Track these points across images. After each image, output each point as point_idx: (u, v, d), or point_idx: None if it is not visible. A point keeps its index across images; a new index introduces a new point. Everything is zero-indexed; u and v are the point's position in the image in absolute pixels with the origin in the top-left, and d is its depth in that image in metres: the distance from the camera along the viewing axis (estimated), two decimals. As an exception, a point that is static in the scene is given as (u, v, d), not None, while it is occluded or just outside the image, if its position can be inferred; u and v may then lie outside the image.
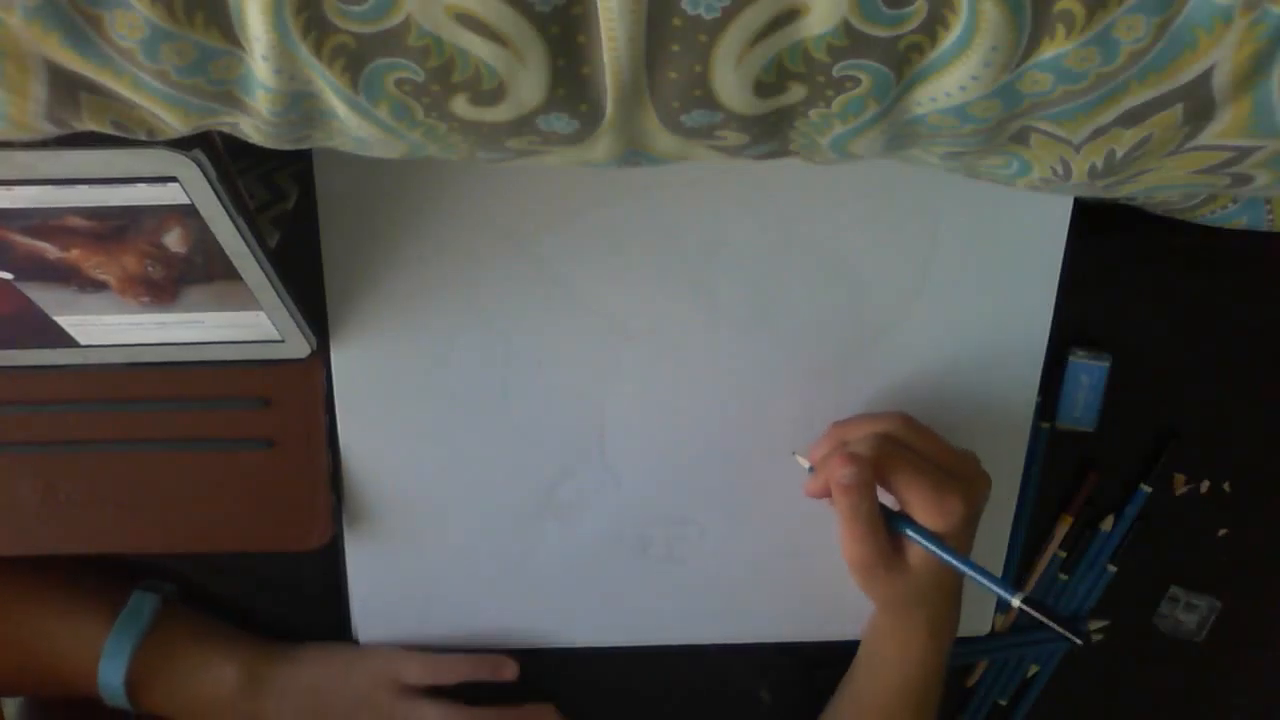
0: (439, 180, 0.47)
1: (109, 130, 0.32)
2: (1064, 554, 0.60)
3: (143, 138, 0.32)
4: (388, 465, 0.52)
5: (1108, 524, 0.60)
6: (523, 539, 0.54)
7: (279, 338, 0.46)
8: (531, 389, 0.51)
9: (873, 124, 0.33)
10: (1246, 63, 0.29)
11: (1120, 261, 0.54)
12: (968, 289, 0.51)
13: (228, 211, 0.37)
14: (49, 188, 0.36)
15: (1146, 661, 0.64)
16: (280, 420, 0.50)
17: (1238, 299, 0.55)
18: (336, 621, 0.55)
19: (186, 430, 0.50)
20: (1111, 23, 0.29)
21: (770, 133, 0.33)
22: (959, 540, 0.48)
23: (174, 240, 0.39)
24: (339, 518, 0.53)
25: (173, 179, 0.35)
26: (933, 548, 0.47)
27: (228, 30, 0.29)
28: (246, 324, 0.45)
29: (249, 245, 0.39)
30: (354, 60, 0.29)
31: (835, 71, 0.30)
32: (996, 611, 0.60)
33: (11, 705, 0.58)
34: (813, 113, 0.32)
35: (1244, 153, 0.33)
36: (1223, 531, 0.61)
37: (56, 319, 0.43)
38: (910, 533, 0.47)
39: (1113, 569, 0.61)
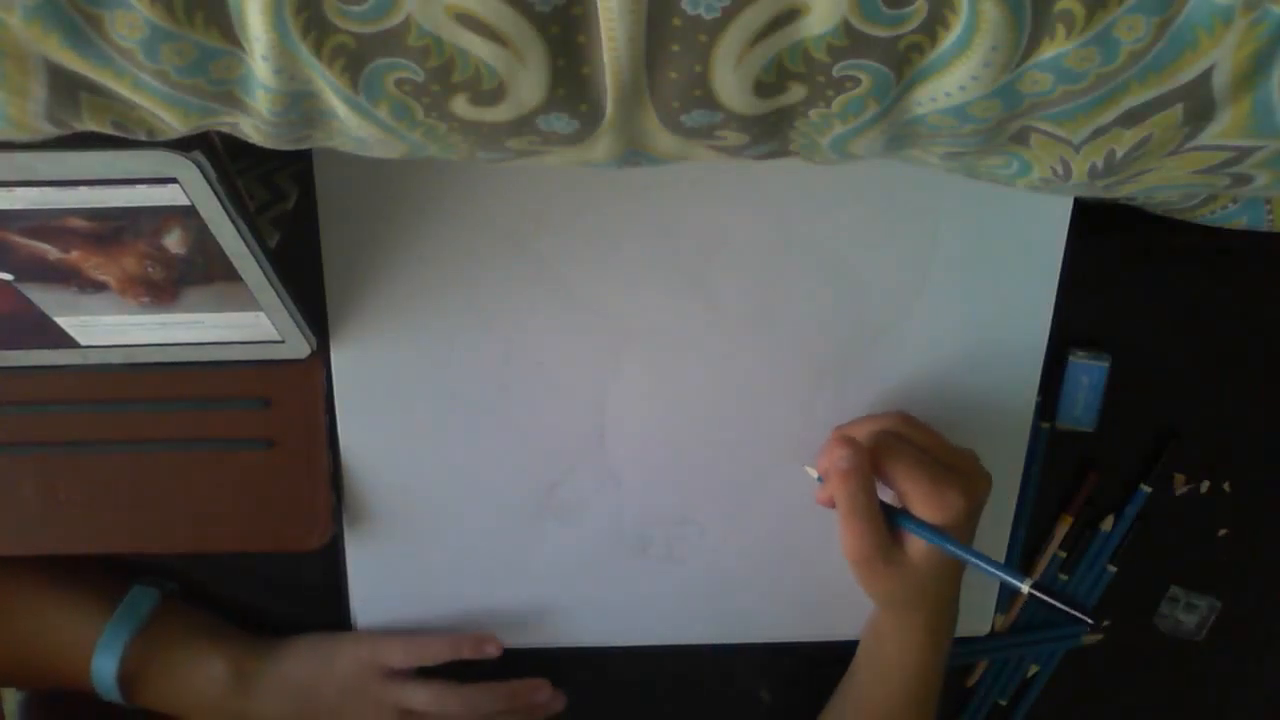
0: (439, 180, 0.47)
1: (109, 130, 0.32)
2: (1064, 554, 0.60)
3: (143, 138, 0.32)
4: (388, 465, 0.52)
5: (1108, 524, 0.60)
6: (523, 539, 0.54)
7: (279, 338, 0.46)
8: (531, 389, 0.51)
9: (873, 124, 0.33)
10: (1246, 63, 0.29)
11: (1120, 261, 0.54)
12: (968, 289, 0.51)
13: (227, 212, 0.37)
14: (49, 189, 0.36)
15: (1146, 661, 0.64)
16: (280, 420, 0.50)
17: (1238, 299, 0.55)
18: (337, 621, 0.55)
19: (186, 430, 0.50)
20: (1111, 23, 0.29)
21: (770, 133, 0.33)
22: (959, 536, 0.48)
23: (174, 241, 0.39)
24: (339, 517, 0.53)
25: (172, 180, 0.35)
26: (934, 539, 0.47)
27: (228, 30, 0.29)
28: (246, 324, 0.45)
29: (249, 246, 0.39)
30: (354, 60, 0.29)
31: (835, 71, 0.30)
32: (997, 611, 0.60)
33: (11, 703, 0.58)
34: (813, 113, 0.32)
35: (1244, 153, 0.33)
36: (1223, 531, 0.61)
37: (57, 320, 0.43)
38: (910, 526, 0.47)
39: (1113, 569, 0.61)
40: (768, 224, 0.49)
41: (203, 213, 0.37)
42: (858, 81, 0.31)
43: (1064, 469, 0.58)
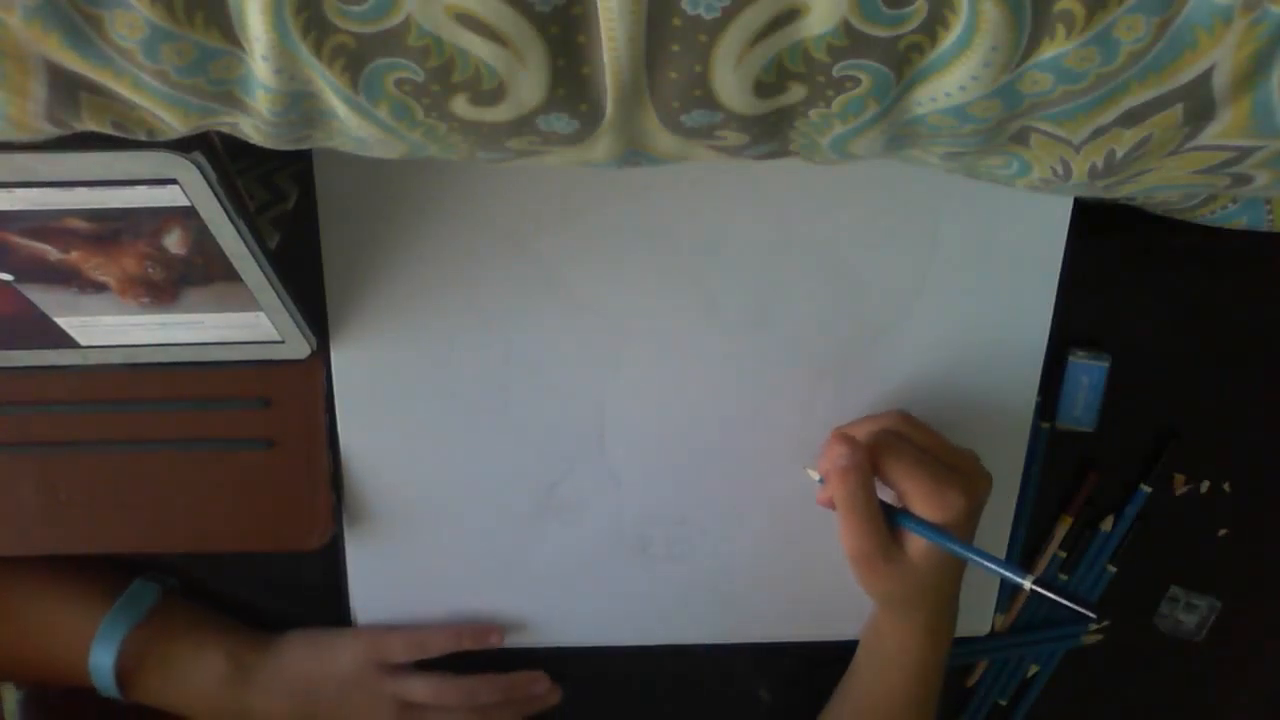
0: (439, 180, 0.47)
1: (109, 130, 0.32)
2: (1064, 554, 0.60)
3: (143, 138, 0.32)
4: (388, 465, 0.52)
5: (1108, 524, 0.60)
6: (523, 538, 0.54)
7: (279, 338, 0.46)
8: (531, 389, 0.51)
9: (873, 124, 0.33)
10: (1246, 63, 0.29)
11: (1120, 261, 0.54)
12: (968, 289, 0.51)
13: (227, 213, 0.37)
14: (49, 190, 0.36)
15: (1146, 661, 0.64)
16: (280, 420, 0.50)
17: (1238, 299, 0.55)
18: (336, 620, 0.55)
19: (187, 430, 0.50)
20: (1111, 23, 0.29)
21: (770, 133, 0.33)
22: (959, 536, 0.47)
23: (174, 242, 0.39)
24: (339, 517, 0.53)
25: (172, 181, 0.35)
26: (935, 537, 0.47)
27: (228, 30, 0.29)
28: (246, 325, 0.45)
29: (249, 246, 0.39)
30: (354, 60, 0.29)
31: (835, 71, 0.30)
32: (997, 611, 0.60)
33: (11, 702, 0.58)
34: (813, 113, 0.32)
35: (1244, 153, 0.33)
36: (1223, 531, 0.61)
37: (57, 320, 0.43)
38: (911, 525, 0.47)
39: (1113, 569, 0.61)
40: (768, 224, 0.49)
41: (203, 213, 0.37)
42: (858, 81, 0.31)
43: (1064, 469, 0.58)
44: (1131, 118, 0.31)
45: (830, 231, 0.49)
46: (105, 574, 0.53)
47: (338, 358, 0.50)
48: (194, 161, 0.35)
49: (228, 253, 0.39)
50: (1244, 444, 0.59)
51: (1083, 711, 0.65)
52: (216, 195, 0.36)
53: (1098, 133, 0.32)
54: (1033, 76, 0.30)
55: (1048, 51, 0.30)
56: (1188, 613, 0.63)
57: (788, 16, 0.29)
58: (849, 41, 0.30)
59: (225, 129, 0.33)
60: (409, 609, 0.55)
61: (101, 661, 0.50)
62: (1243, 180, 0.35)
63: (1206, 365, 0.57)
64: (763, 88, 0.31)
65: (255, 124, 0.32)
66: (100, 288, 0.41)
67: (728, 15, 0.29)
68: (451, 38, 0.29)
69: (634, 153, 0.34)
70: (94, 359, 0.47)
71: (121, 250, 0.39)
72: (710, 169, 0.47)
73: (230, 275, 0.41)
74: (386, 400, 0.51)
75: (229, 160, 0.37)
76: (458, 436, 0.52)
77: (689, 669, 0.60)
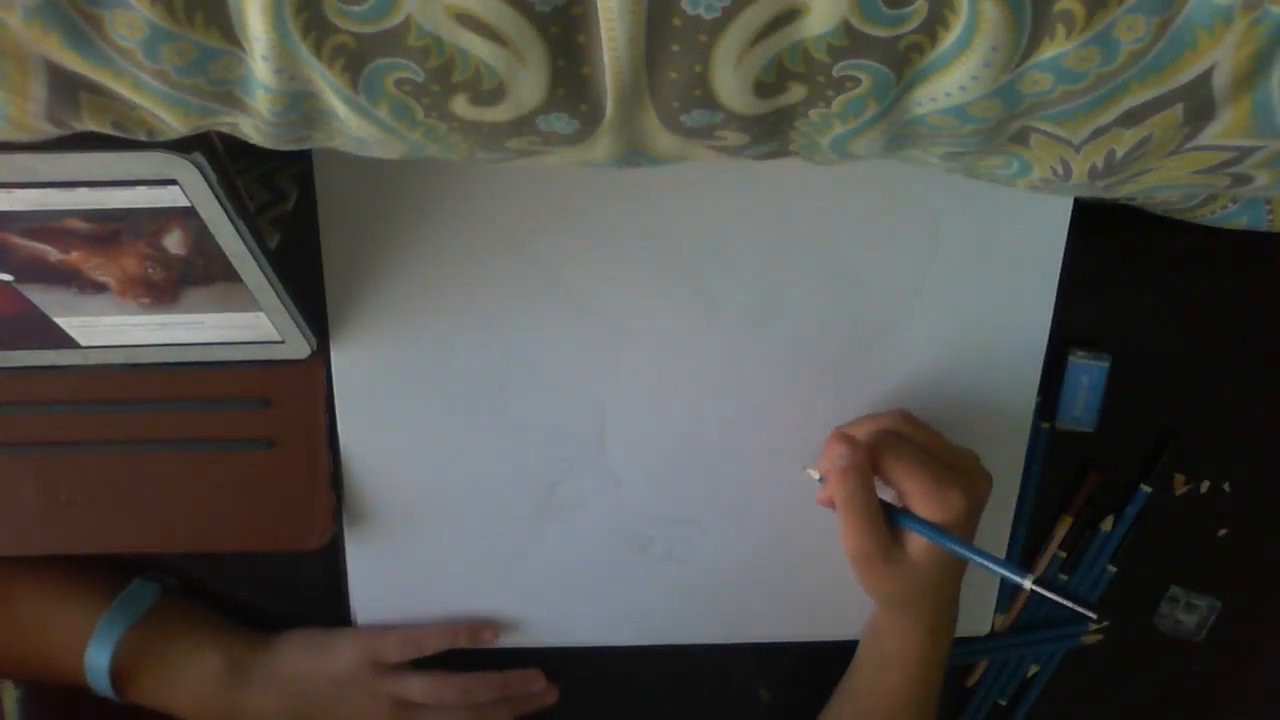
0: (439, 180, 0.47)
1: (109, 131, 0.32)
2: (1064, 554, 0.60)
3: (142, 138, 0.32)
4: (388, 465, 0.52)
5: (1108, 524, 0.60)
6: (522, 538, 0.54)
7: (279, 338, 0.46)
8: (531, 389, 0.51)
9: (873, 124, 0.33)
10: (1246, 63, 0.29)
11: (1120, 261, 0.54)
12: (968, 289, 0.51)
13: (227, 213, 0.37)
14: (49, 190, 0.36)
15: (1146, 661, 0.64)
16: (280, 420, 0.50)
17: (1238, 299, 0.55)
18: (336, 620, 0.55)
19: (187, 430, 0.50)
20: (1111, 23, 0.29)
21: (770, 133, 0.33)
22: (960, 536, 0.48)
23: (174, 242, 0.39)
24: (339, 517, 0.53)
25: (172, 182, 0.35)
26: (935, 536, 0.47)
27: (228, 30, 0.29)
28: (247, 325, 0.45)
29: (249, 247, 0.39)
30: (354, 60, 0.29)
31: (835, 71, 0.30)
32: (997, 611, 0.60)
33: (10, 700, 0.58)
34: (813, 113, 0.32)
35: (1244, 153, 0.33)
36: (1223, 531, 0.61)
37: (57, 320, 0.43)
38: (911, 524, 0.47)
39: (1113, 569, 0.61)
40: (768, 224, 0.49)
41: (203, 214, 0.37)
42: (858, 81, 0.31)
43: (1064, 469, 0.58)
44: (1131, 118, 0.31)
45: (830, 231, 0.49)
46: (105, 574, 0.53)
47: (338, 358, 0.50)
48: (194, 162, 0.35)
49: (228, 253, 0.39)
50: (1244, 444, 0.59)
51: (1083, 711, 0.65)
52: (216, 195, 0.36)
53: (1098, 133, 0.32)
54: (1033, 76, 0.30)
55: (1048, 51, 0.30)
56: (1188, 613, 0.63)
57: (788, 16, 0.29)
58: (849, 41, 0.30)
59: (225, 129, 0.33)
60: (409, 609, 0.55)
61: (97, 661, 0.50)
62: (1243, 180, 0.35)
63: (1206, 365, 0.57)
64: (763, 88, 0.31)
65: (255, 124, 0.32)
66: (100, 288, 0.41)
67: (728, 15, 0.29)
68: (451, 38, 0.29)
69: (634, 153, 0.34)
70: (94, 359, 0.47)
71: (121, 250, 0.39)
72: (710, 169, 0.47)
73: (230, 275, 0.41)
74: (386, 400, 0.51)
75: (229, 160, 0.37)
76: (458, 436, 0.52)
77: (689, 669, 0.60)
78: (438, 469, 0.52)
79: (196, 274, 0.41)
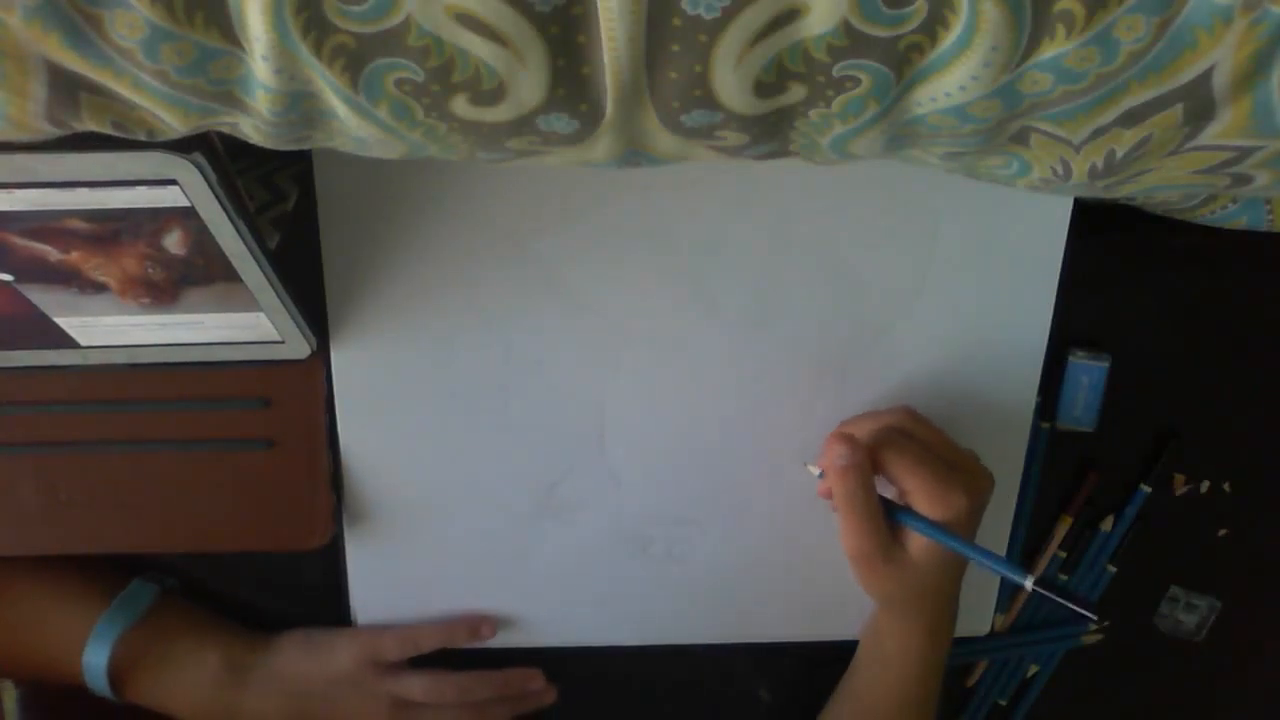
0: (439, 180, 0.47)
1: (109, 130, 0.32)
2: (1064, 554, 0.60)
3: (142, 138, 0.32)
4: (388, 465, 0.52)
5: (1108, 524, 0.60)
6: (522, 538, 0.54)
7: (279, 339, 0.46)
8: (531, 389, 0.51)
9: (873, 124, 0.33)
10: (1246, 63, 0.29)
11: (1120, 261, 0.54)
12: (968, 289, 0.51)
13: (227, 214, 0.37)
14: (49, 190, 0.36)
15: (1146, 661, 0.64)
16: (280, 420, 0.50)
17: (1238, 299, 0.55)
18: (336, 620, 0.55)
19: (187, 430, 0.50)
20: (1111, 23, 0.29)
21: (770, 133, 0.33)
22: (961, 535, 0.48)
23: (174, 242, 0.39)
24: (339, 517, 0.53)
25: (172, 182, 0.35)
26: (935, 534, 0.47)
27: (228, 30, 0.29)
28: (247, 325, 0.45)
29: (249, 247, 0.39)
30: (354, 60, 0.29)
31: (835, 71, 0.30)
32: (997, 611, 0.60)
33: (10, 699, 0.58)
34: (813, 113, 0.32)
35: (1244, 153, 0.33)
36: (1223, 531, 0.61)
37: (57, 320, 0.43)
38: (911, 521, 0.47)
39: (1113, 569, 0.61)
40: (767, 224, 0.49)
41: (203, 214, 0.37)
42: (858, 81, 0.31)
43: (1064, 469, 0.58)
44: (1131, 118, 0.31)
45: (830, 231, 0.49)
46: (104, 573, 0.53)
47: (338, 358, 0.50)
48: (194, 162, 0.35)
49: (228, 253, 0.39)
50: (1244, 444, 0.59)
51: (1083, 711, 0.65)
52: (216, 195, 0.36)
53: (1098, 133, 0.32)
54: (1033, 76, 0.30)
55: (1048, 51, 0.30)
56: (1188, 613, 0.63)
57: (788, 16, 0.29)
58: (849, 41, 0.30)
59: (225, 129, 0.33)
60: (409, 609, 0.55)
61: (94, 661, 0.50)
62: (1243, 180, 0.35)
63: (1206, 365, 0.57)
64: (763, 88, 0.31)
65: (255, 124, 0.32)
66: (100, 288, 0.41)
67: (728, 15, 0.29)
68: (451, 38, 0.29)
69: (634, 153, 0.34)
70: (94, 359, 0.47)
71: (122, 250, 0.39)
72: (710, 169, 0.47)
73: (230, 275, 0.41)
74: (386, 400, 0.51)
75: (229, 160, 0.37)
76: (458, 436, 0.52)
77: (689, 669, 0.60)
78: (438, 469, 0.52)
79: (196, 274, 0.41)
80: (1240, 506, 0.60)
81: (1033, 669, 0.64)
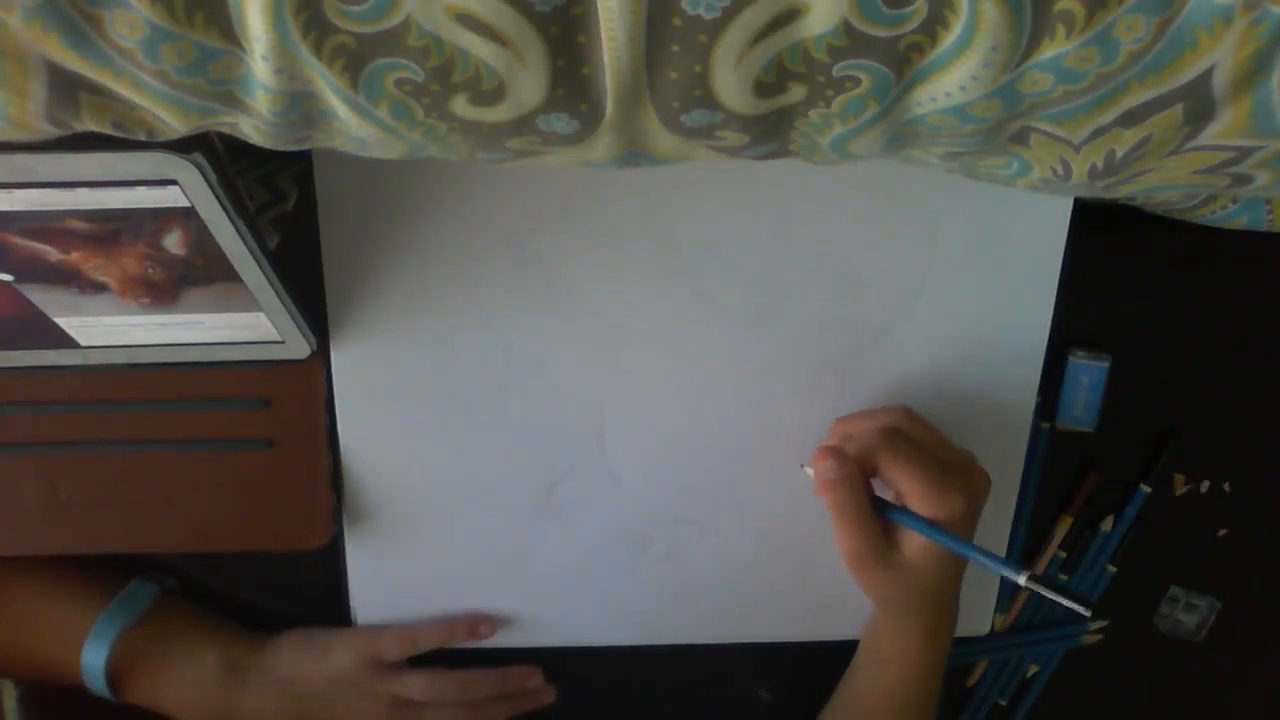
0: (439, 180, 0.47)
1: (109, 131, 0.32)
2: (1064, 554, 0.60)
3: (142, 138, 0.32)
4: (388, 465, 0.52)
5: (1108, 524, 0.60)
6: (522, 538, 0.54)
7: (279, 339, 0.46)
8: (531, 389, 0.51)
9: (873, 124, 0.33)
10: (1247, 63, 0.29)
11: (1120, 261, 0.54)
12: (968, 289, 0.51)
13: (227, 214, 0.37)
14: (49, 190, 0.36)
15: (1146, 661, 0.64)
16: (280, 420, 0.50)
17: (1238, 299, 0.55)
18: (336, 620, 0.55)
19: (187, 430, 0.50)
20: (1111, 23, 0.29)
21: (770, 133, 0.33)
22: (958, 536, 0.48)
23: (174, 242, 0.39)
24: (339, 517, 0.53)
25: (172, 182, 0.35)
26: (932, 533, 0.47)
27: (228, 30, 0.29)
28: (247, 325, 0.45)
29: (249, 247, 0.39)
30: (354, 60, 0.29)
31: (835, 71, 0.30)
32: (997, 611, 0.60)
33: (10, 698, 0.58)
34: (813, 113, 0.32)
35: (1244, 153, 0.33)
36: (1223, 531, 0.61)
37: (57, 320, 0.43)
38: (908, 521, 0.47)
39: (1113, 569, 0.61)
40: (767, 224, 0.49)
41: (203, 214, 0.37)
42: (858, 81, 0.31)
43: (1064, 469, 0.58)
44: (1131, 118, 0.31)
45: (830, 231, 0.49)
46: (104, 573, 0.53)
47: (338, 358, 0.50)
48: (194, 162, 0.35)
49: (228, 253, 0.39)
50: (1244, 444, 0.59)
51: (1083, 711, 0.65)
52: (216, 196, 0.36)
53: (1098, 133, 0.32)
54: (1033, 76, 0.30)
55: (1048, 51, 0.30)
56: (1188, 613, 0.63)
57: (788, 16, 0.29)
58: (849, 41, 0.30)
59: (225, 129, 0.33)
60: (409, 609, 0.55)
61: (93, 661, 0.50)
62: (1243, 180, 0.35)
63: (1206, 365, 0.57)
64: (763, 88, 0.31)
65: (255, 124, 0.32)
66: (100, 288, 0.41)
67: (728, 15, 0.29)
68: (451, 38, 0.29)
69: (634, 153, 0.34)
70: (94, 359, 0.47)
71: (122, 251, 0.39)
72: (710, 169, 0.47)
73: (230, 275, 0.41)
74: (386, 400, 0.51)
75: (229, 160, 0.37)
76: (458, 436, 0.52)
77: (689, 669, 0.60)
78: (438, 469, 0.52)
79: (196, 274, 0.41)
80: (1240, 506, 0.60)
81: (1033, 669, 0.64)
